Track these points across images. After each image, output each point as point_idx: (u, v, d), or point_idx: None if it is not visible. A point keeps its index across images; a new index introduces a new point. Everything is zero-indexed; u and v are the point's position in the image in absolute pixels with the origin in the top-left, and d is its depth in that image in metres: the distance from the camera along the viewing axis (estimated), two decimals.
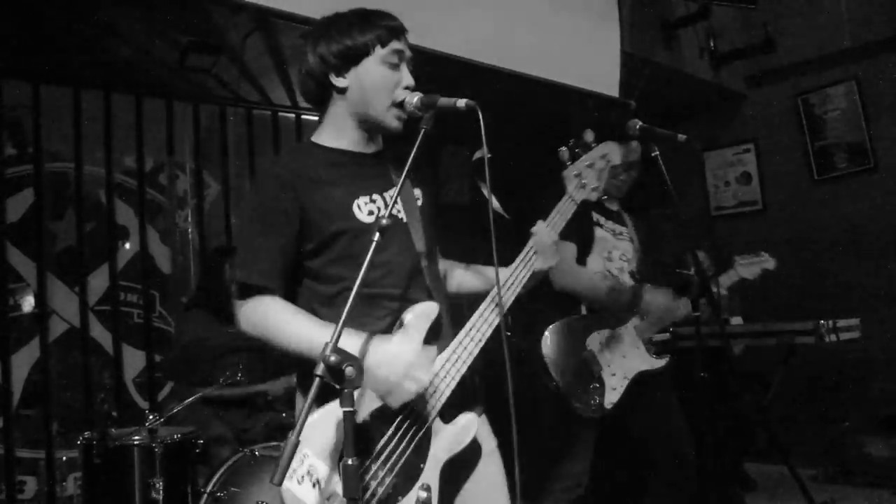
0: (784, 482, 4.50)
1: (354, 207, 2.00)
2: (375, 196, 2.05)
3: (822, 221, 6.09)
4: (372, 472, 1.85)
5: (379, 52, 2.02)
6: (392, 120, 2.04)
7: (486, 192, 1.93)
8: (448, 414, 1.98)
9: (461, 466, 2.05)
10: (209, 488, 3.16)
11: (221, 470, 3.21)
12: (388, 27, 2.03)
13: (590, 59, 5.11)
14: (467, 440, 2.01)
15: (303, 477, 1.77)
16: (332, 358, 1.60)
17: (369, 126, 2.08)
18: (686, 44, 5.95)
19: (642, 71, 5.46)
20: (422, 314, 1.95)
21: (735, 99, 6.60)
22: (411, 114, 2.01)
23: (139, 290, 4.91)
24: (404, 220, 2.09)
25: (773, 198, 6.48)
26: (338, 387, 1.62)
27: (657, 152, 3.06)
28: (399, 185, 1.85)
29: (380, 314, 1.99)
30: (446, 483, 1.97)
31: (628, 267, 3.63)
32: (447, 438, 1.98)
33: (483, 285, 2.22)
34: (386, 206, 2.03)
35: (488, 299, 2.05)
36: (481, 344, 2.02)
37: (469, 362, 2.00)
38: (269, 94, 5.17)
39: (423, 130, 1.90)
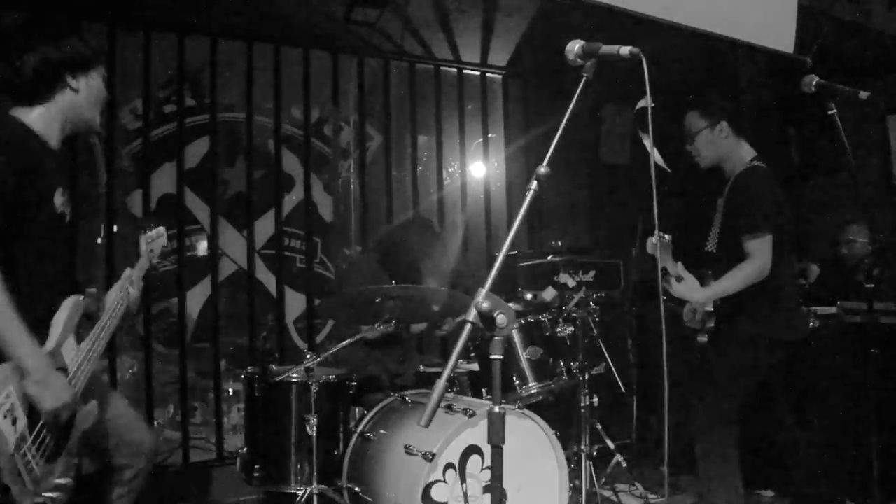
0: None
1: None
2: None
3: None
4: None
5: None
6: None
7: (647, 143, 1.87)
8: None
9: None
10: (360, 428, 3.29)
11: (373, 412, 3.34)
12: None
13: (763, 13, 4.80)
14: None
15: (6, 413, 1.99)
16: (485, 304, 1.61)
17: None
18: None
19: (821, 26, 5.09)
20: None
21: None
22: (572, 62, 1.97)
23: (302, 237, 5.13)
24: None
25: None
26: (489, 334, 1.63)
27: (834, 111, 2.84)
28: (558, 133, 1.82)
29: None
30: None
31: None
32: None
33: None
34: None
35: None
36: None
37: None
38: (432, 48, 5.21)
39: (584, 79, 1.87)
